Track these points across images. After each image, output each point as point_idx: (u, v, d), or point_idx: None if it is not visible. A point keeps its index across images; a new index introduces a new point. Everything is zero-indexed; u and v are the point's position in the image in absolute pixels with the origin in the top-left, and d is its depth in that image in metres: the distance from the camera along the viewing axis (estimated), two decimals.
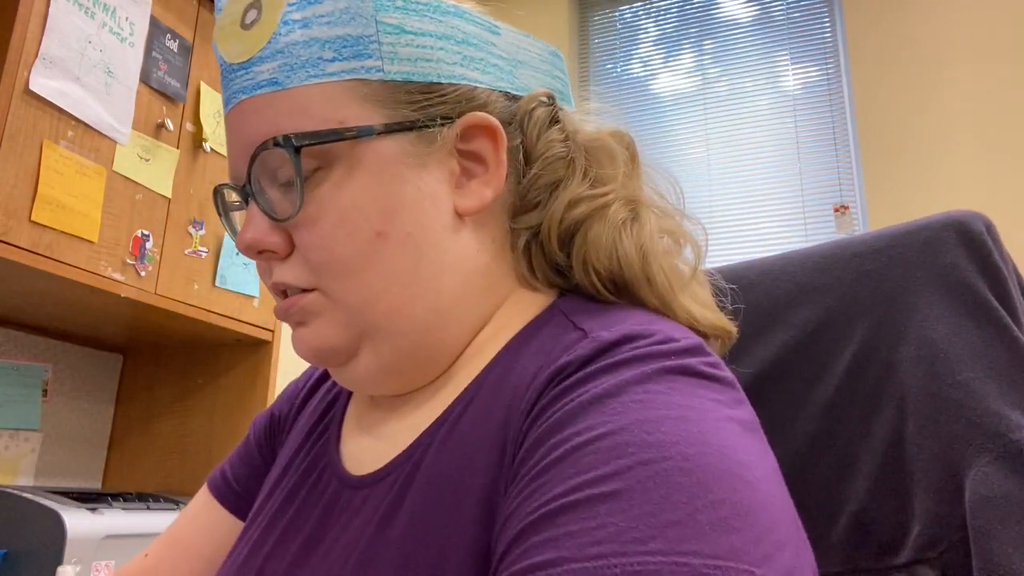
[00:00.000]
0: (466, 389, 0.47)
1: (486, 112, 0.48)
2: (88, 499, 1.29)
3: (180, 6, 1.49)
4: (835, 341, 0.63)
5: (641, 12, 3.37)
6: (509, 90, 0.51)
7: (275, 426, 0.63)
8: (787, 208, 2.90)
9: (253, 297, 1.62)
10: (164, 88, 1.42)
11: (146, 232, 1.37)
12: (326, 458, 0.52)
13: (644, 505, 0.33)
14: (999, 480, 0.52)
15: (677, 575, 0.31)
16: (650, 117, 3.19)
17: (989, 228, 0.59)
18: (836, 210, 2.80)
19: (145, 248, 1.36)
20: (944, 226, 0.60)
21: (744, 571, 0.31)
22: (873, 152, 2.77)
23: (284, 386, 0.68)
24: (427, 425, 0.47)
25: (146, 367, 1.78)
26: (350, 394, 0.58)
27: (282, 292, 0.49)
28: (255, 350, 1.67)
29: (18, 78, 1.15)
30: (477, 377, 0.47)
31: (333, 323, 0.47)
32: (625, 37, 3.37)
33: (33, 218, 1.15)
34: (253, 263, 1.66)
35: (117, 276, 1.30)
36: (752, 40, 3.13)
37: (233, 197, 0.53)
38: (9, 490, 1.26)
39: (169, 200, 1.43)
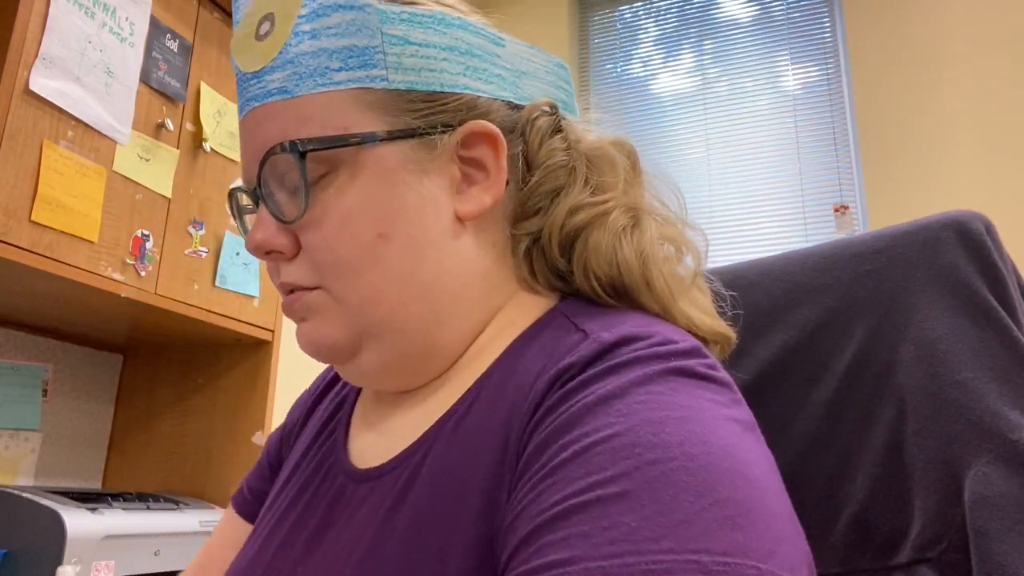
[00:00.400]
0: (470, 388, 0.48)
1: (487, 120, 0.50)
2: (88, 499, 1.29)
3: (180, 6, 1.49)
4: (835, 341, 0.63)
5: (641, 12, 3.37)
6: (512, 99, 0.52)
7: (285, 439, 0.66)
8: (787, 208, 2.90)
9: (253, 297, 1.62)
10: (164, 88, 1.42)
11: (146, 232, 1.37)
12: (334, 455, 0.54)
13: (653, 505, 0.34)
14: (999, 480, 0.52)
15: (688, 572, 0.32)
16: (650, 117, 3.19)
17: (989, 228, 0.60)
18: (836, 210, 2.80)
19: (145, 248, 1.36)
20: (944, 226, 0.60)
21: (751, 567, 0.33)
22: (873, 152, 2.77)
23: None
24: (432, 422, 0.48)
25: (146, 367, 1.78)
26: (357, 396, 0.60)
27: (289, 290, 0.51)
28: (255, 350, 1.67)
29: (18, 78, 1.15)
30: (481, 376, 0.49)
31: (335, 320, 0.49)
32: (625, 37, 3.37)
33: (33, 218, 1.15)
34: (253, 263, 1.67)
35: (117, 276, 1.30)
36: (752, 40, 3.13)
37: (245, 200, 0.55)
38: (9, 490, 1.26)
39: (169, 200, 1.43)
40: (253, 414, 1.64)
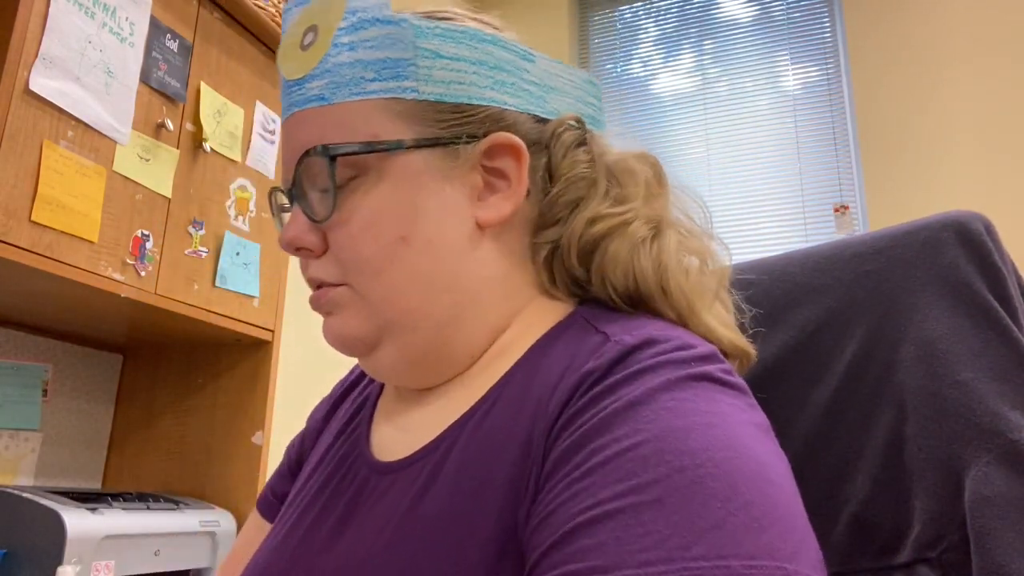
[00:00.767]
0: (493, 386, 0.50)
1: (512, 132, 0.52)
2: (88, 499, 1.29)
3: (180, 6, 1.48)
4: (835, 341, 0.63)
5: (641, 12, 3.37)
6: (539, 113, 0.55)
7: (305, 442, 0.68)
8: (787, 208, 2.90)
9: (253, 297, 1.62)
10: (164, 88, 1.42)
11: (146, 232, 1.37)
12: (357, 449, 0.56)
13: (683, 512, 0.36)
14: (999, 480, 0.52)
15: None
16: (650, 117, 3.19)
17: (988, 228, 0.60)
18: (836, 210, 2.80)
19: (145, 248, 1.36)
20: (944, 226, 0.60)
21: (777, 567, 0.35)
22: (873, 152, 2.77)
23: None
24: (454, 418, 0.50)
25: (146, 367, 1.78)
26: (379, 395, 0.62)
27: (317, 285, 0.54)
28: (255, 350, 1.67)
29: (18, 78, 1.15)
30: (504, 375, 0.51)
31: (358, 315, 0.52)
32: (625, 37, 3.37)
33: (33, 218, 1.15)
34: (253, 263, 1.67)
35: (117, 276, 1.30)
36: (752, 40, 3.13)
37: (283, 199, 0.58)
38: (9, 490, 1.26)
39: (169, 200, 1.43)
40: (253, 414, 1.64)
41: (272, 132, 1.72)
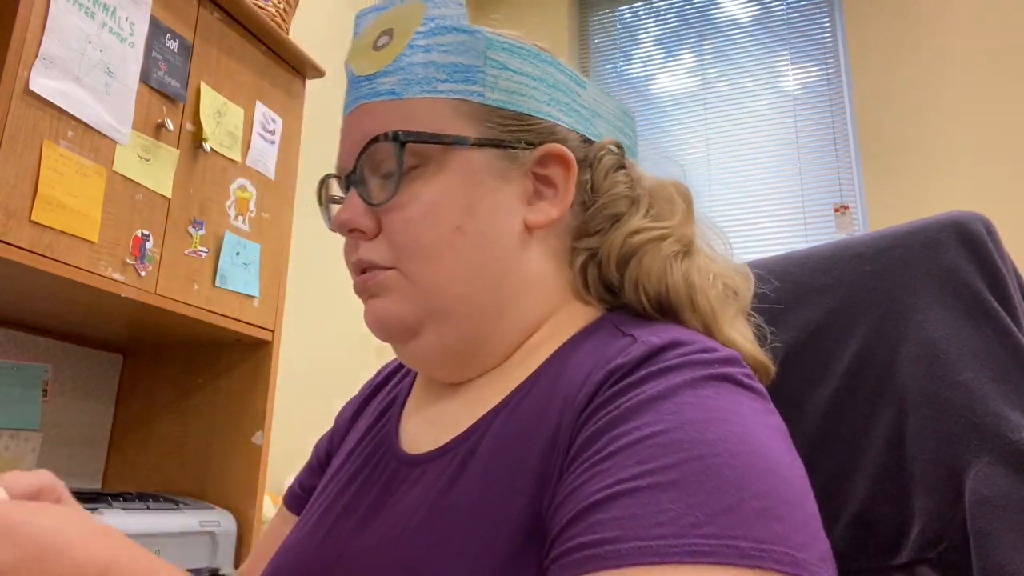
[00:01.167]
0: (523, 382, 0.53)
1: (563, 145, 0.56)
2: (88, 499, 1.29)
3: (180, 6, 1.48)
4: (836, 342, 0.63)
5: (641, 12, 3.37)
6: (585, 134, 0.59)
7: (333, 439, 0.71)
8: (787, 208, 2.90)
9: (253, 297, 1.62)
10: (164, 88, 1.42)
11: (146, 232, 1.37)
12: (387, 443, 0.59)
13: (698, 495, 0.38)
14: (999, 480, 0.52)
15: (729, 556, 0.35)
16: (650, 117, 3.19)
17: (989, 229, 0.60)
18: (836, 210, 2.80)
19: (145, 248, 1.36)
20: (944, 227, 0.60)
21: (786, 553, 0.36)
22: (873, 152, 2.77)
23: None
24: (484, 411, 0.53)
25: (146, 367, 1.78)
26: (408, 393, 0.64)
27: (362, 270, 0.56)
28: (255, 350, 1.67)
29: (18, 78, 1.15)
30: (534, 372, 0.53)
31: (404, 299, 0.54)
32: (625, 37, 3.37)
33: (33, 218, 1.15)
34: (253, 263, 1.67)
35: (117, 276, 1.30)
36: (752, 40, 3.13)
37: (334, 189, 0.62)
38: None
39: (169, 200, 1.43)
40: (253, 414, 1.64)
41: (272, 132, 1.72)
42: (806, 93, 2.99)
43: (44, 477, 0.50)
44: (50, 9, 1.20)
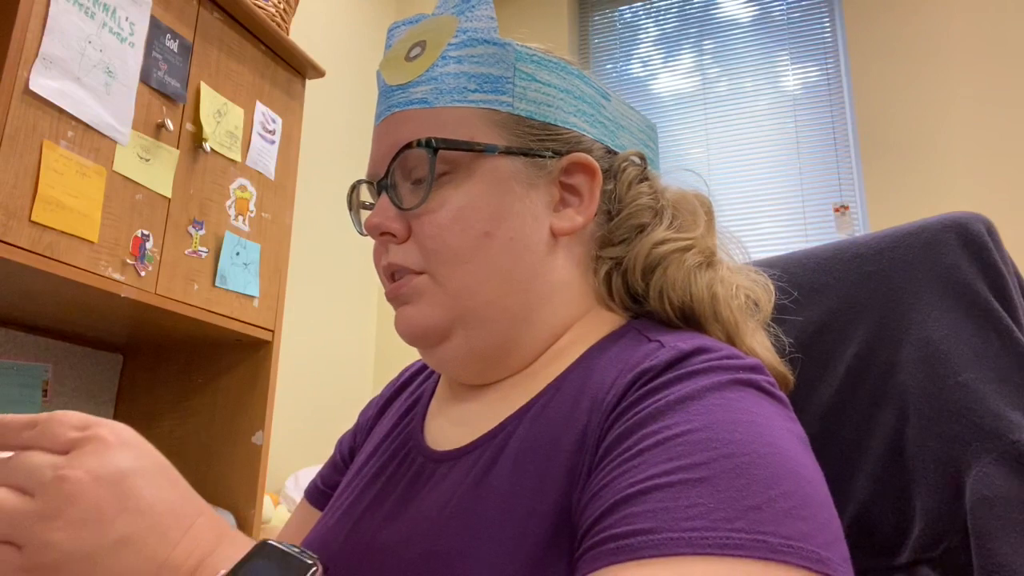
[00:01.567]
0: (550, 384, 0.54)
1: (589, 155, 0.58)
2: None
3: (180, 6, 1.48)
4: (836, 342, 0.63)
5: (641, 12, 3.37)
6: (610, 145, 0.61)
7: (356, 437, 0.72)
8: (787, 208, 2.90)
9: (253, 297, 1.62)
10: (164, 88, 1.42)
11: (146, 232, 1.37)
12: (412, 440, 0.60)
13: (728, 491, 0.39)
14: (1000, 481, 0.52)
15: (759, 550, 0.37)
16: (650, 117, 3.18)
17: (989, 229, 0.60)
18: (836, 210, 2.80)
19: (145, 248, 1.36)
20: (944, 227, 0.60)
21: (812, 551, 0.37)
22: (873, 152, 2.77)
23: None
24: (511, 411, 0.54)
25: (146, 367, 1.78)
26: (432, 393, 0.66)
27: (390, 275, 0.58)
28: (255, 350, 1.67)
29: (18, 78, 1.15)
30: (560, 375, 0.54)
31: (435, 304, 0.55)
32: (625, 37, 3.37)
33: (33, 218, 1.15)
34: (253, 263, 1.67)
35: (117, 276, 1.30)
36: (752, 40, 3.13)
37: (364, 195, 0.64)
38: None
39: (169, 200, 1.43)
40: (253, 414, 1.64)
41: (272, 132, 1.72)
42: (806, 93, 2.99)
43: None
44: (50, 9, 1.20)
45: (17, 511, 0.35)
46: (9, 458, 0.38)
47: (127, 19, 1.35)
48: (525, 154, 0.56)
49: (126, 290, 1.31)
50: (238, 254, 1.59)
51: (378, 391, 0.78)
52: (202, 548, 0.37)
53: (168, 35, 1.44)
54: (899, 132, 2.74)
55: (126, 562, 0.35)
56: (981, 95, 2.65)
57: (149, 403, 1.74)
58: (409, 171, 0.57)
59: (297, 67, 1.82)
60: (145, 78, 1.38)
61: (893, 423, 0.59)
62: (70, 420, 0.39)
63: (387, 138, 0.58)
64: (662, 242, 0.57)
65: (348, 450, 0.73)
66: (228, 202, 1.58)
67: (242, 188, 1.62)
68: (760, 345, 0.56)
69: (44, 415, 0.39)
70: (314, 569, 0.37)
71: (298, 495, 1.99)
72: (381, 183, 0.58)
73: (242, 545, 0.38)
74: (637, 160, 0.61)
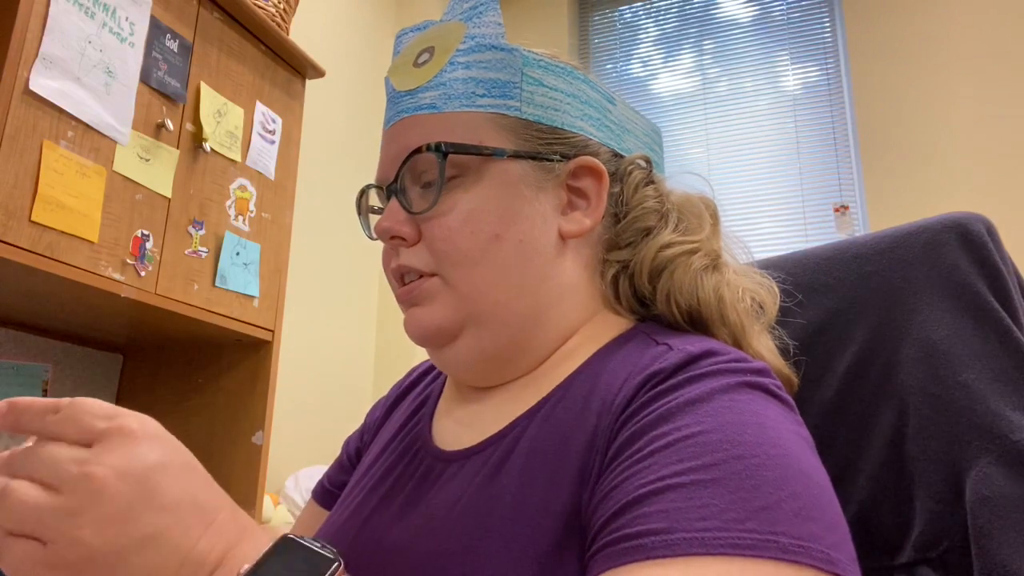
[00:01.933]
0: (558, 386, 0.55)
1: (595, 159, 0.58)
2: None
3: (180, 6, 1.48)
4: (836, 342, 0.63)
5: (641, 12, 3.37)
6: (616, 149, 0.61)
7: (364, 437, 0.73)
8: (787, 208, 2.90)
9: (253, 297, 1.62)
10: (164, 88, 1.42)
11: (146, 232, 1.37)
12: (420, 440, 0.61)
13: (738, 492, 0.39)
14: (1000, 481, 0.52)
15: (770, 550, 0.37)
16: (650, 117, 3.18)
17: (990, 229, 0.60)
18: (836, 210, 2.80)
19: (145, 248, 1.36)
20: (945, 227, 0.60)
21: (822, 552, 0.38)
22: (873, 152, 2.77)
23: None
24: (519, 414, 0.55)
25: (146, 367, 1.78)
26: (440, 394, 0.66)
27: (400, 278, 0.58)
28: (255, 350, 1.67)
29: (18, 78, 1.15)
30: (568, 377, 0.55)
31: (446, 306, 0.56)
32: (625, 37, 3.37)
33: (33, 218, 1.15)
34: (253, 263, 1.67)
35: (117, 276, 1.30)
36: (752, 40, 3.13)
37: (373, 200, 0.64)
38: None
39: (169, 200, 1.43)
40: (253, 414, 1.64)
41: (272, 132, 1.72)
42: (806, 93, 2.99)
43: None
44: (50, 9, 1.20)
45: (42, 507, 0.35)
46: (32, 449, 0.37)
47: (127, 19, 1.35)
48: (533, 158, 0.57)
49: (126, 290, 1.31)
50: (238, 254, 1.59)
51: (378, 391, 0.78)
52: (225, 542, 0.37)
53: (168, 35, 1.44)
54: (899, 132, 2.74)
55: (150, 558, 0.35)
56: (981, 95, 2.65)
57: (149, 403, 1.74)
58: (419, 175, 0.57)
59: (297, 67, 1.82)
60: (145, 78, 1.38)
61: (893, 423, 0.59)
62: (95, 409, 0.38)
63: (396, 143, 0.58)
64: (668, 245, 0.58)
65: (355, 450, 0.73)
66: (228, 202, 1.58)
67: (242, 188, 1.62)
68: (765, 348, 0.57)
69: (67, 400, 0.39)
70: (336, 564, 0.37)
71: (298, 495, 1.99)
72: (391, 187, 0.58)
73: (264, 540, 0.38)
74: (643, 163, 0.62)
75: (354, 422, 0.79)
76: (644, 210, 0.59)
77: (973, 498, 0.52)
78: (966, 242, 0.59)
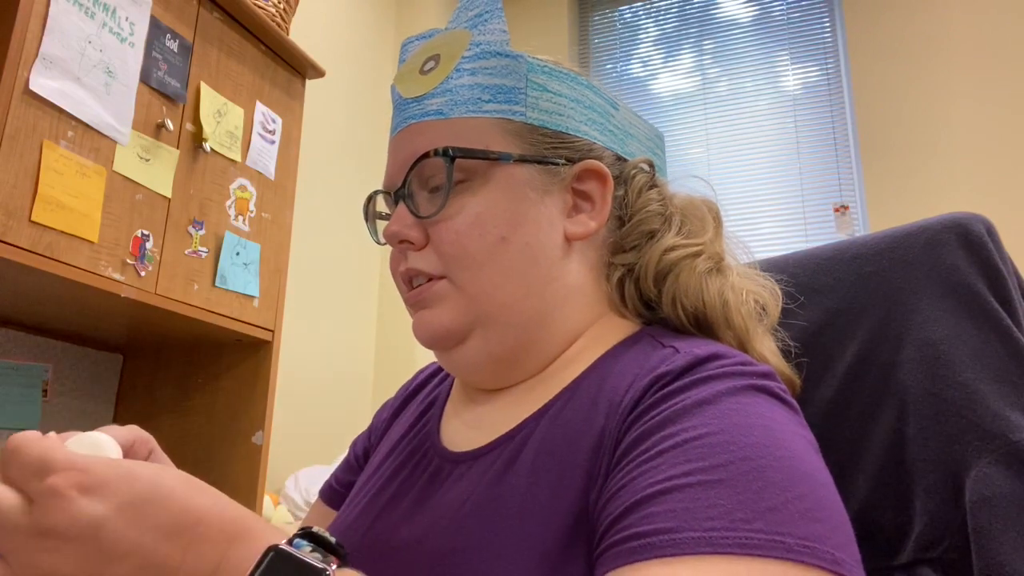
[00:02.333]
0: (565, 388, 0.55)
1: (600, 162, 0.59)
2: None
3: (180, 6, 1.48)
4: (836, 342, 0.63)
5: (641, 12, 3.37)
6: (619, 153, 0.62)
7: (371, 438, 0.74)
8: (787, 208, 2.90)
9: (253, 297, 1.62)
10: (164, 88, 1.42)
11: (146, 232, 1.37)
12: (429, 442, 0.61)
13: (746, 493, 0.40)
14: (999, 481, 0.52)
15: (777, 550, 0.38)
16: (650, 117, 3.18)
17: (990, 230, 0.60)
18: (836, 210, 2.80)
19: (145, 248, 1.36)
20: (945, 228, 0.60)
21: (827, 552, 0.38)
22: (873, 152, 2.77)
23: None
24: (527, 415, 0.55)
25: (146, 367, 1.78)
26: (447, 396, 0.67)
27: (408, 281, 0.59)
28: (255, 350, 1.67)
29: (18, 78, 1.15)
30: (575, 379, 0.56)
31: (454, 308, 0.57)
32: (625, 37, 3.37)
33: (33, 218, 1.15)
34: (253, 263, 1.67)
35: (117, 276, 1.30)
36: (752, 40, 3.13)
37: (380, 205, 0.65)
38: None
39: (169, 200, 1.43)
40: (253, 414, 1.64)
41: (272, 132, 1.72)
42: (806, 93, 2.99)
43: (136, 431, 0.52)
44: (50, 9, 1.20)
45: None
46: None
47: (127, 19, 1.35)
48: (539, 162, 0.57)
49: (126, 290, 1.31)
50: (238, 254, 1.59)
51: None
52: (209, 561, 0.36)
53: (168, 35, 1.44)
54: (899, 132, 2.74)
55: None
56: (981, 95, 2.65)
57: (149, 403, 1.74)
58: (426, 180, 0.58)
59: (297, 67, 1.82)
60: (145, 78, 1.38)
61: (893, 423, 0.59)
62: (27, 461, 0.36)
63: (404, 149, 0.59)
64: (672, 248, 0.58)
65: (363, 451, 0.74)
66: (228, 202, 1.58)
67: (242, 188, 1.62)
68: (769, 351, 0.57)
69: (8, 447, 0.37)
70: (327, 572, 0.35)
71: (298, 495, 1.99)
72: (398, 192, 0.59)
73: (252, 546, 0.36)
74: (646, 167, 0.62)
75: (354, 422, 0.79)
76: (648, 213, 0.60)
77: (973, 498, 0.52)
78: (966, 242, 0.59)
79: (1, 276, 1.21)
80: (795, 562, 0.38)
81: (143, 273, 1.35)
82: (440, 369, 0.73)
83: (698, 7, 3.26)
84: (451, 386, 0.68)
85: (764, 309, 0.60)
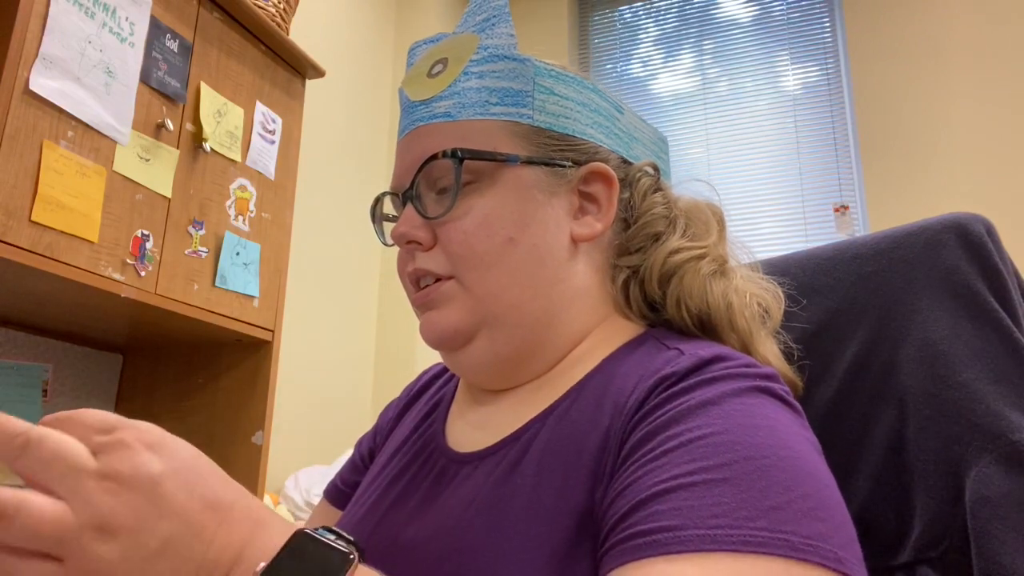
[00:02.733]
0: (570, 389, 0.56)
1: (605, 165, 0.60)
2: None
3: (180, 6, 1.48)
4: (836, 342, 0.63)
5: (641, 12, 3.37)
6: (625, 156, 0.63)
7: (376, 438, 0.74)
8: (787, 208, 2.90)
9: (253, 297, 1.62)
10: (164, 88, 1.42)
11: (146, 232, 1.37)
12: (434, 442, 0.62)
13: (750, 491, 0.40)
14: (999, 480, 0.52)
15: (781, 548, 0.38)
16: (650, 117, 3.19)
17: (989, 230, 0.60)
18: (836, 210, 2.80)
19: (145, 248, 1.36)
20: (945, 228, 0.60)
21: (831, 551, 0.39)
22: (873, 152, 2.77)
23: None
24: (533, 415, 0.56)
25: (146, 367, 1.78)
26: (452, 397, 0.67)
27: (415, 282, 0.59)
28: (255, 350, 1.67)
29: (18, 78, 1.15)
30: (581, 380, 0.56)
31: (461, 308, 0.57)
32: (625, 37, 3.37)
33: (33, 218, 1.15)
34: (253, 263, 1.67)
35: (117, 276, 1.30)
36: (752, 40, 3.13)
37: (387, 207, 0.66)
38: None
39: (169, 200, 1.43)
40: (253, 414, 1.64)
41: (272, 132, 1.72)
42: (806, 93, 2.99)
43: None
44: (50, 9, 1.20)
45: (59, 524, 0.35)
46: (38, 464, 0.37)
47: (127, 19, 1.35)
48: (546, 164, 0.58)
49: (126, 290, 1.31)
50: (238, 254, 1.59)
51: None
52: (240, 538, 0.37)
53: (168, 35, 1.44)
54: (899, 132, 2.74)
55: (167, 566, 0.35)
56: (981, 95, 2.65)
57: (149, 403, 1.74)
58: (434, 181, 0.59)
59: (297, 67, 1.82)
60: (145, 78, 1.38)
61: (893, 423, 0.59)
62: (93, 422, 0.38)
63: (412, 151, 0.60)
64: (676, 251, 0.59)
65: (368, 451, 0.74)
66: (228, 202, 1.58)
67: (242, 188, 1.62)
68: (771, 353, 0.58)
69: (64, 415, 0.39)
70: (352, 558, 0.37)
71: (298, 495, 1.99)
72: (406, 194, 0.59)
73: (279, 530, 0.37)
74: (651, 171, 0.63)
75: (354, 422, 0.79)
76: (653, 216, 0.61)
77: (973, 498, 0.52)
78: (966, 242, 0.59)
79: (1, 276, 1.21)
80: (799, 560, 0.38)
81: (143, 273, 1.35)
82: (445, 370, 0.73)
83: (698, 7, 3.26)
84: (456, 387, 0.68)
85: (767, 312, 0.60)
